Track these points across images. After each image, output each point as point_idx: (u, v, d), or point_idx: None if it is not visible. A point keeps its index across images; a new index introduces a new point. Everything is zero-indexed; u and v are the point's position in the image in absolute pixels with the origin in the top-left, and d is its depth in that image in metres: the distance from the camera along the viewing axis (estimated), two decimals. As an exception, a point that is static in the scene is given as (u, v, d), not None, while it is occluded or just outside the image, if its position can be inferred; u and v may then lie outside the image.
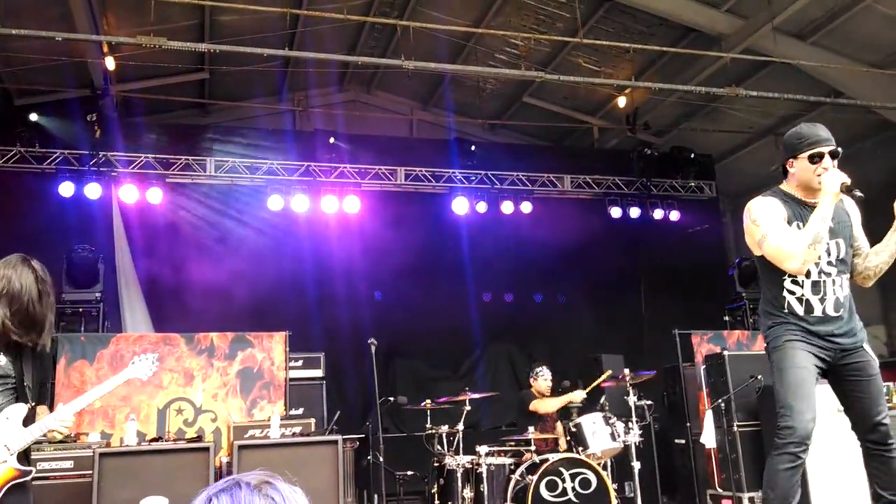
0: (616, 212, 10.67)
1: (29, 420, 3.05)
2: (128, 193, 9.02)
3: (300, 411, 6.91)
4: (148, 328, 8.47)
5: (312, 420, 6.32)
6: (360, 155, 9.96)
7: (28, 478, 3.00)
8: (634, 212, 10.73)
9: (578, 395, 6.66)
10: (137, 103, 9.66)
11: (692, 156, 11.04)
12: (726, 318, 9.12)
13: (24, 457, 3.04)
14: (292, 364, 7.17)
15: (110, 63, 8.30)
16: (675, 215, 10.86)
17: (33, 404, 3.09)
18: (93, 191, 8.83)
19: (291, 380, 7.02)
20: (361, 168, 9.94)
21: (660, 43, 8.98)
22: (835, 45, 8.92)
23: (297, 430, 5.97)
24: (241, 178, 9.61)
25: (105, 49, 8.29)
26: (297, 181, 9.65)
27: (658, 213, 10.80)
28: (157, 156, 9.31)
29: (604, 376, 6.63)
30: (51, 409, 3.23)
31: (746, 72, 9.37)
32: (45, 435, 3.08)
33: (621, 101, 10.50)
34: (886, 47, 8.80)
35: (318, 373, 7.54)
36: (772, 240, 3.30)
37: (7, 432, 2.96)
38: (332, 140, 9.45)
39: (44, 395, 3.26)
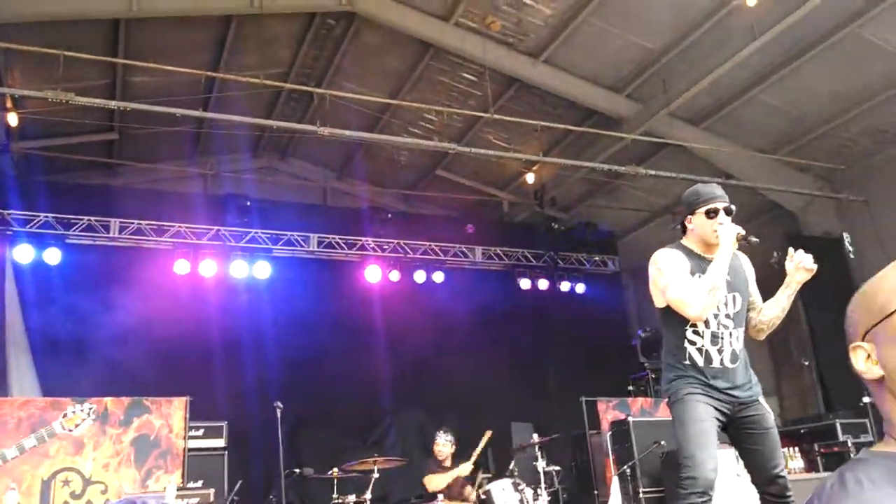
0: (525, 283, 10.95)
1: None
2: (23, 253, 8.59)
3: (199, 484, 6.56)
4: (36, 393, 7.93)
5: (212, 490, 6.01)
6: (272, 221, 9.90)
7: None
8: (543, 283, 11.03)
9: (465, 469, 6.66)
10: (40, 161, 9.31)
11: (596, 231, 11.53)
12: (630, 387, 9.35)
13: None
14: (192, 433, 6.84)
15: (13, 119, 8.03)
16: (580, 288, 11.24)
17: None
18: (-16, 249, 8.39)
19: (191, 450, 6.68)
20: (273, 233, 9.85)
21: (565, 123, 9.46)
22: (724, 131, 9.64)
23: (195, 501, 5.67)
24: (146, 240, 9.34)
25: (8, 104, 8.03)
26: (205, 245, 9.45)
27: (565, 286, 11.15)
28: (58, 215, 8.94)
29: (484, 440, 6.68)
30: None
31: (645, 153, 9.95)
32: None
33: (530, 178, 10.91)
34: (770, 134, 9.56)
35: (220, 443, 7.20)
36: (674, 287, 3.47)
37: None
38: (248, 203, 9.37)
39: None
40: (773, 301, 3.64)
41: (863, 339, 1.08)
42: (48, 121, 8.27)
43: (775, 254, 3.55)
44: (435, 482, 6.62)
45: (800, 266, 3.50)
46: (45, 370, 8.19)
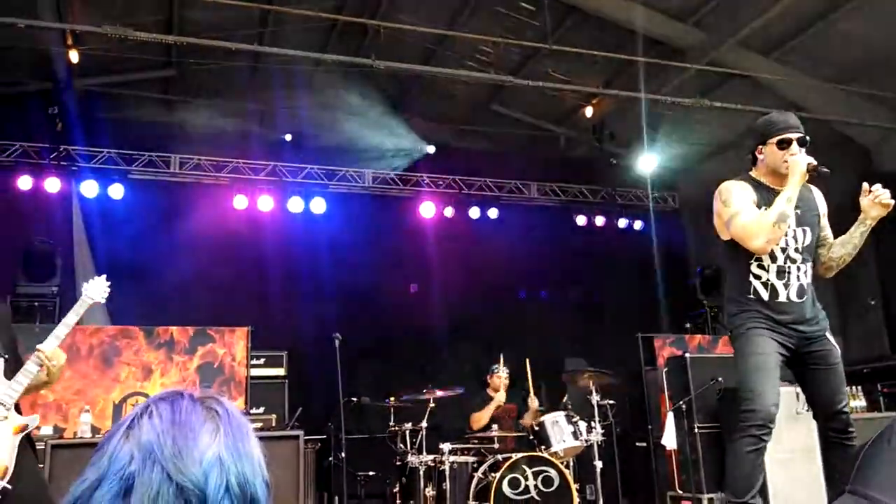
0: (581, 219, 10.81)
1: (9, 373, 3.00)
2: (88, 188, 8.85)
3: (261, 410, 6.80)
4: (106, 322, 8.25)
5: (274, 416, 6.23)
6: (327, 157, 9.94)
7: (32, 428, 2.97)
8: (600, 220, 10.87)
9: (500, 397, 6.79)
10: (100, 98, 9.49)
11: (656, 167, 11.20)
12: (688, 325, 9.22)
13: (18, 410, 3.00)
14: (254, 362, 7.06)
15: (74, 56, 8.14)
16: (638, 224, 11.04)
17: (6, 356, 3.04)
18: (52, 185, 8.66)
19: (253, 378, 6.90)
20: (328, 169, 9.90)
21: (626, 54, 9.11)
22: (795, 61, 9.15)
23: (257, 425, 5.87)
24: (205, 176, 9.50)
25: (69, 41, 8.14)
26: (262, 180, 9.57)
27: (622, 222, 10.96)
28: (120, 151, 9.16)
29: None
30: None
31: (710, 85, 9.54)
32: (34, 379, 3.05)
33: (588, 111, 10.61)
34: (845, 63, 9.04)
35: (281, 371, 7.44)
36: (740, 218, 3.35)
37: None
38: (288, 137, 9.46)
39: (20, 350, 3.21)
40: (845, 238, 3.49)
41: None
42: (107, 57, 8.38)
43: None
44: (478, 420, 6.74)
45: (876, 201, 3.33)
46: (112, 300, 8.48)
